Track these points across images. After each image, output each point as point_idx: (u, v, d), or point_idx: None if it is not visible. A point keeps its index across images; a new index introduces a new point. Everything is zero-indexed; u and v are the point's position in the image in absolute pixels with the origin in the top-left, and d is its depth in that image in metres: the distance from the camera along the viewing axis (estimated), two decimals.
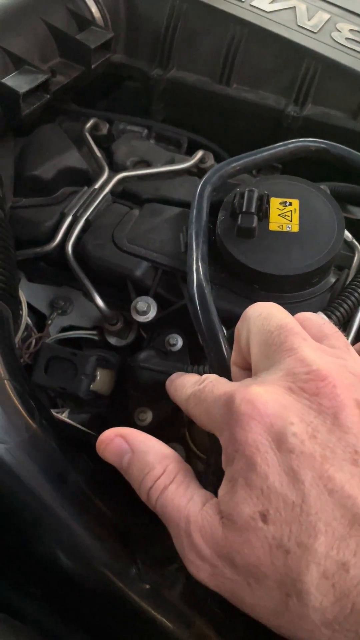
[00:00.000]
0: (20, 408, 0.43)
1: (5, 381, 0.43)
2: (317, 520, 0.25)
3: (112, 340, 0.62)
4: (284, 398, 0.29)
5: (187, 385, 0.37)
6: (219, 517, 0.29)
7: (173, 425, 0.56)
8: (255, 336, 0.34)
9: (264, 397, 0.29)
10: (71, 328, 0.65)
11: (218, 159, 0.76)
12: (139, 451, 0.34)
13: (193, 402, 0.35)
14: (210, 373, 0.40)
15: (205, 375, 0.37)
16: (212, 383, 0.34)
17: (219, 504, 0.30)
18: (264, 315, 0.35)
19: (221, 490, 0.30)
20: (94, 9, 0.74)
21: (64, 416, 0.58)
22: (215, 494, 0.32)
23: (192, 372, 0.49)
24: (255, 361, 0.34)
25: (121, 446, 0.34)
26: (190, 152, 0.76)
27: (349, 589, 0.24)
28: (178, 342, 0.56)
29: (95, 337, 0.64)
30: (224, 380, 0.35)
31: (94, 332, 0.64)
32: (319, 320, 0.36)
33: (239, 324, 0.37)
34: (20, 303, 0.56)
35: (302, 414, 0.28)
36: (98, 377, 0.58)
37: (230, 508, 0.28)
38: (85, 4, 0.72)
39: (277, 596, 0.26)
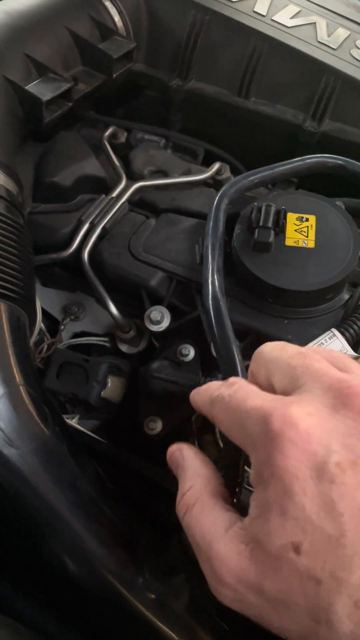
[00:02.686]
0: (34, 414, 0.43)
1: (20, 387, 0.44)
2: (354, 554, 0.25)
3: (124, 347, 0.63)
4: (327, 421, 0.28)
5: (212, 388, 0.36)
6: (245, 545, 0.28)
7: (182, 435, 0.56)
8: (276, 365, 0.33)
9: (307, 422, 0.28)
10: (83, 334, 0.66)
11: (234, 171, 0.76)
12: (183, 467, 0.35)
13: (220, 407, 0.33)
14: None
15: (233, 379, 0.35)
16: (244, 390, 0.33)
17: (250, 528, 0.29)
18: (279, 347, 0.34)
19: (252, 513, 0.29)
20: (117, 18, 0.75)
21: (73, 422, 0.58)
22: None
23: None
24: (281, 388, 0.33)
25: (177, 459, 0.36)
26: (205, 163, 0.77)
27: None
28: (190, 352, 0.56)
29: (107, 344, 0.64)
30: (255, 388, 0.33)
31: (106, 339, 0.64)
32: (326, 350, 0.36)
33: (252, 366, 0.35)
34: (35, 309, 0.56)
35: (346, 439, 0.27)
36: (109, 384, 0.58)
37: (262, 535, 0.27)
38: (109, 13, 0.73)
39: (306, 622, 0.26)
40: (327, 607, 0.25)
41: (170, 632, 0.42)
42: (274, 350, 0.34)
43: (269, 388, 0.33)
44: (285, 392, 0.32)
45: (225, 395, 0.33)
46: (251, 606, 0.28)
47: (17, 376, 0.44)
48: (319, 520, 0.26)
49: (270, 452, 0.28)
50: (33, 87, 0.58)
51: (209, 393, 0.35)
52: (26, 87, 0.58)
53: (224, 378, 0.43)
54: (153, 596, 0.43)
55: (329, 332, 0.50)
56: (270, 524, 0.27)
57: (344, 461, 0.26)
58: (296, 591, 0.26)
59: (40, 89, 0.58)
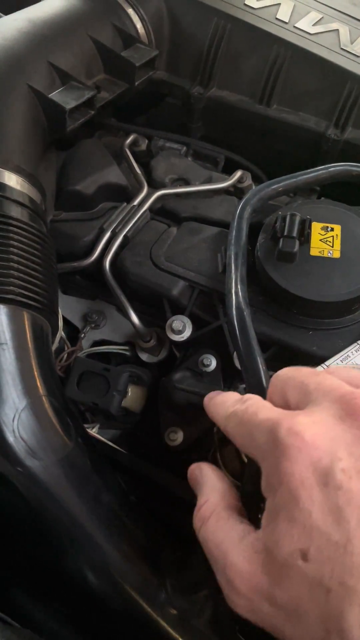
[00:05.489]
0: (57, 425, 0.43)
1: (43, 397, 0.43)
2: None
3: (144, 356, 0.62)
4: (332, 430, 0.29)
5: (228, 403, 0.37)
6: (257, 554, 0.29)
7: (203, 447, 0.56)
8: (290, 383, 0.34)
9: (312, 430, 0.29)
10: (103, 342, 0.66)
11: (255, 178, 0.76)
12: (200, 483, 0.36)
13: (234, 422, 0.35)
14: None
15: (247, 395, 0.36)
16: (256, 405, 0.34)
17: (262, 536, 0.29)
18: (292, 369, 0.35)
19: (263, 522, 0.29)
20: (139, 25, 0.74)
21: (94, 431, 0.58)
22: (250, 519, 0.33)
23: None
24: (294, 403, 0.34)
25: (197, 476, 0.37)
26: (226, 171, 0.76)
27: None
28: (212, 362, 0.56)
29: (127, 353, 0.64)
30: (268, 404, 0.34)
31: (126, 348, 0.64)
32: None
33: (269, 389, 0.37)
34: (58, 318, 0.56)
35: (351, 447, 0.28)
36: (129, 394, 0.57)
37: (271, 543, 0.28)
38: (131, 20, 0.73)
39: (318, 632, 0.26)
40: (337, 616, 0.25)
41: None
42: (289, 372, 0.35)
43: (285, 406, 0.34)
44: (298, 407, 0.33)
45: (239, 410, 0.34)
46: (265, 616, 0.28)
47: (39, 386, 0.44)
48: (326, 526, 0.26)
49: (277, 460, 0.29)
50: (56, 96, 0.58)
51: (225, 408, 0.37)
52: (50, 96, 0.58)
53: (248, 389, 0.43)
54: (175, 612, 0.42)
55: (356, 344, 0.49)
56: (278, 531, 0.27)
57: (350, 468, 0.27)
58: (306, 599, 0.26)
59: (64, 97, 0.58)
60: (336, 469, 0.27)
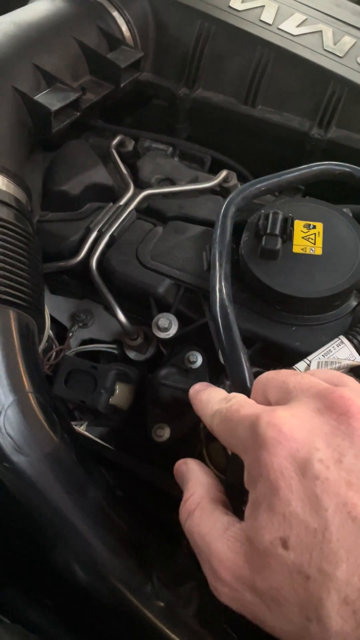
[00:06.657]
0: (43, 421, 0.44)
1: (30, 394, 0.44)
2: (339, 547, 0.26)
3: (131, 354, 0.63)
4: (310, 422, 0.30)
5: (212, 401, 0.38)
6: (240, 543, 0.30)
7: (190, 442, 0.56)
8: (271, 383, 0.35)
9: (290, 422, 0.30)
10: (91, 341, 0.66)
11: (240, 178, 0.77)
12: (187, 478, 0.37)
13: (218, 419, 0.36)
14: (231, 392, 0.41)
15: (232, 394, 0.38)
16: (239, 403, 0.35)
17: (244, 527, 0.30)
18: (273, 372, 0.37)
19: (246, 512, 0.30)
20: (124, 28, 0.75)
21: (82, 429, 0.58)
22: (235, 512, 0.34)
23: None
24: (275, 401, 0.35)
25: (183, 472, 0.38)
26: (213, 171, 0.77)
27: None
28: (198, 359, 0.56)
29: (115, 351, 0.65)
30: (251, 401, 0.35)
31: (114, 346, 0.65)
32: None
33: (252, 392, 0.38)
34: (44, 316, 0.56)
35: (329, 438, 0.29)
36: (117, 391, 0.58)
37: (253, 532, 0.29)
38: (116, 23, 0.74)
39: (298, 620, 0.27)
40: (316, 603, 0.26)
41: None
42: (269, 374, 0.37)
43: (267, 405, 0.35)
44: (279, 404, 0.34)
45: (223, 408, 0.36)
46: (247, 604, 0.29)
47: (26, 383, 0.44)
48: (304, 515, 0.27)
49: (257, 452, 0.30)
50: (42, 98, 0.59)
51: (210, 406, 0.38)
52: (35, 98, 0.58)
53: (232, 385, 0.44)
54: (162, 604, 0.43)
55: (337, 339, 0.50)
56: (260, 520, 0.28)
57: (327, 458, 0.28)
58: (286, 587, 0.27)
59: (49, 99, 0.59)
60: (314, 459, 0.28)
